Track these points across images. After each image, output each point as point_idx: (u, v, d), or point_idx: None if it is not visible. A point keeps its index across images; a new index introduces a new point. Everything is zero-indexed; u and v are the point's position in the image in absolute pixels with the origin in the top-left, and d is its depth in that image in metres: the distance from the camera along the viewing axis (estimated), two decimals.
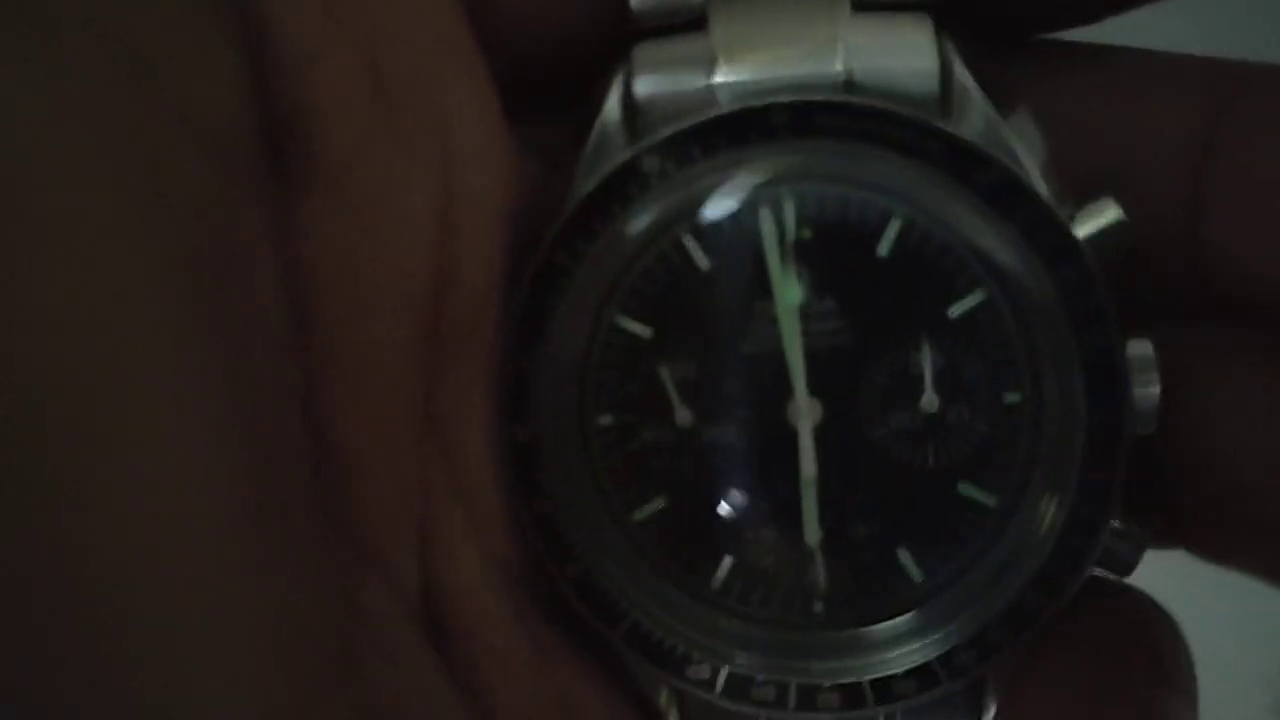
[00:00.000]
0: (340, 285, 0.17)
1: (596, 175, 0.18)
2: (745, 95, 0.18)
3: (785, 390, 0.19)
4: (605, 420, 0.20)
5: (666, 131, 0.18)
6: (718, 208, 0.19)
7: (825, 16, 0.18)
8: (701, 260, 0.19)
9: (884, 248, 0.19)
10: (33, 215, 0.14)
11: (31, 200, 0.14)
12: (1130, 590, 0.20)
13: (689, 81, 0.18)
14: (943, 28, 0.18)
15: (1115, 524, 0.19)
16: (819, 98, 0.18)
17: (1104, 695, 0.19)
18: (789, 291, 0.19)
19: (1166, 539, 0.20)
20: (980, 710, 0.20)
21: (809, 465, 0.19)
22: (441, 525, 0.18)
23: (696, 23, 0.19)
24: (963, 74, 0.18)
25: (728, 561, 0.20)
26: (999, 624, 0.19)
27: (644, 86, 0.18)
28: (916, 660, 0.19)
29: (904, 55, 0.18)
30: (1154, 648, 0.19)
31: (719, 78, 0.18)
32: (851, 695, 0.19)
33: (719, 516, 0.20)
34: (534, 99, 0.20)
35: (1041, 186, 0.18)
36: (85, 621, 0.13)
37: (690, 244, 0.19)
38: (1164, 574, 0.20)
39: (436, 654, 0.18)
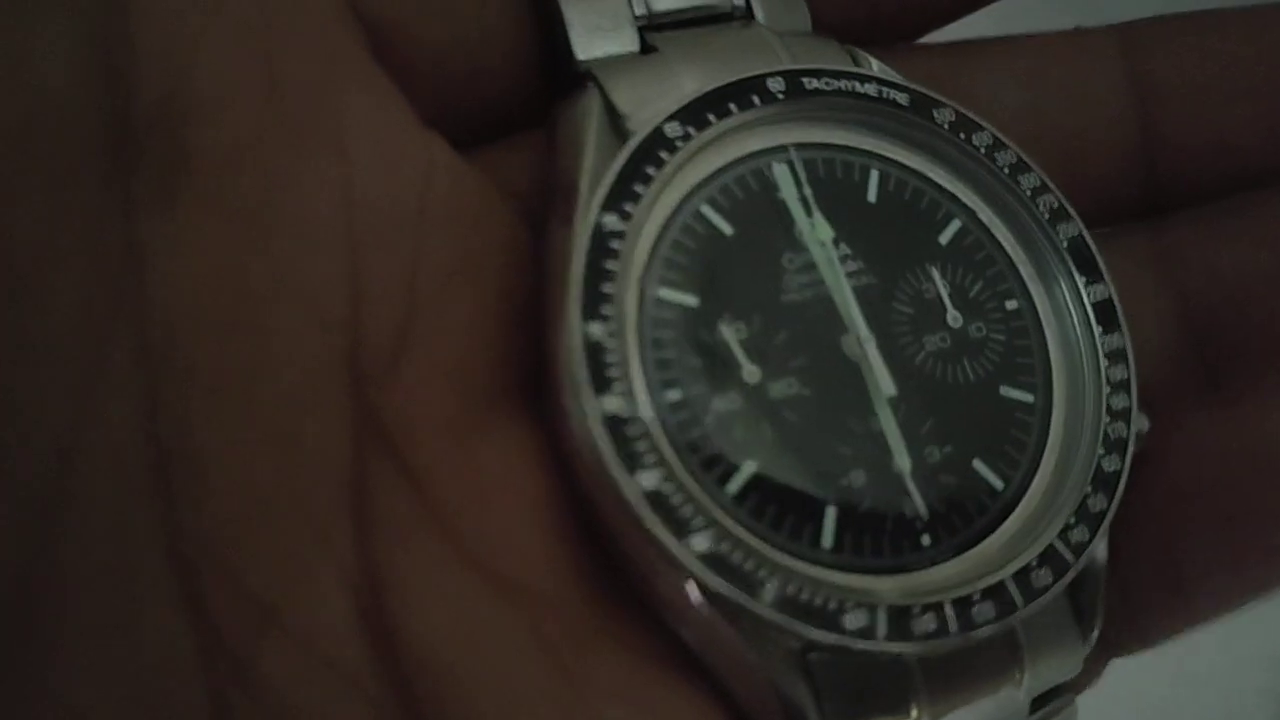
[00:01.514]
0: (216, 302, 0.15)
1: (607, 163, 0.19)
2: None
3: (835, 328, 0.20)
4: (674, 395, 0.19)
5: (686, 99, 0.19)
6: (726, 178, 0.20)
7: (760, 39, 0.21)
8: (724, 226, 0.20)
9: (871, 194, 0.21)
10: None
11: None
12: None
13: (664, 88, 0.20)
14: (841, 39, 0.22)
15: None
16: (804, 65, 0.20)
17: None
18: (819, 228, 0.20)
19: None
20: (1089, 628, 0.20)
21: (888, 384, 0.19)
22: (394, 564, 0.16)
23: (644, 50, 0.21)
24: (868, 59, 0.22)
25: (831, 513, 0.19)
26: (1089, 492, 0.20)
27: (626, 99, 0.20)
28: (1039, 549, 0.19)
29: (827, 56, 0.21)
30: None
31: (691, 83, 0.20)
32: (999, 598, 0.18)
33: (811, 469, 0.19)
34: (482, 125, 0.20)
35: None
36: None
37: (710, 213, 0.20)
38: None
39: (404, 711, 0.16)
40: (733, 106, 0.20)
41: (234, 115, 0.16)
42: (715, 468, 0.18)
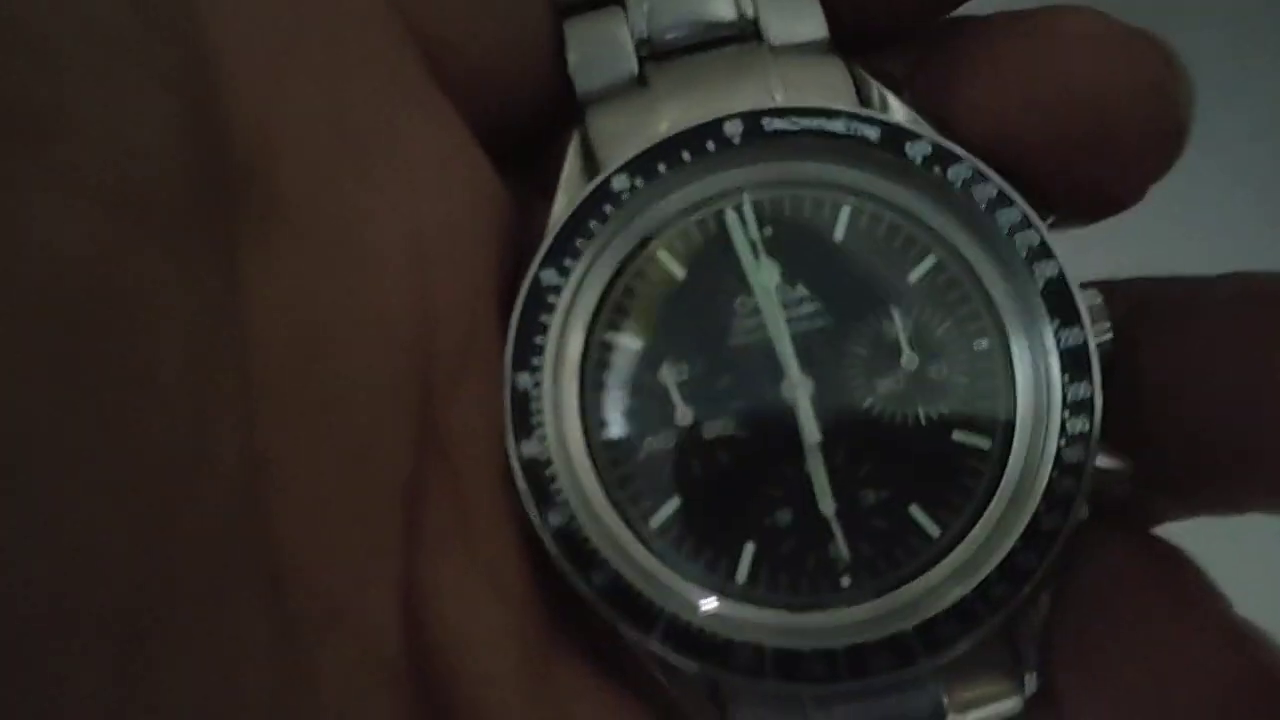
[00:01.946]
0: (300, 331, 0.17)
1: (575, 198, 0.20)
2: None
3: (775, 373, 0.20)
4: (609, 434, 0.20)
5: (633, 152, 0.20)
6: (683, 221, 0.21)
7: (754, 65, 0.21)
8: (677, 270, 0.21)
9: (839, 233, 0.21)
10: None
11: None
12: (1148, 537, 0.20)
13: (641, 129, 0.21)
14: (850, 59, 0.21)
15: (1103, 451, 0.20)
16: (765, 106, 0.21)
17: (1150, 613, 0.19)
18: (763, 273, 0.21)
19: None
20: (1022, 675, 0.20)
21: (812, 431, 0.20)
22: (433, 570, 0.18)
23: (636, 83, 0.21)
24: (874, 82, 0.21)
25: (749, 550, 0.20)
26: (1022, 549, 0.19)
27: (603, 140, 0.21)
28: (953, 601, 0.19)
29: (824, 80, 0.21)
30: (1185, 578, 0.20)
31: (666, 123, 0.21)
32: (900, 649, 0.19)
33: (733, 507, 0.20)
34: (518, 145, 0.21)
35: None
36: None
37: (664, 257, 0.21)
38: None
39: (425, 705, 0.17)
40: (685, 155, 0.20)
41: (313, 154, 0.18)
42: (641, 502, 0.20)
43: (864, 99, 0.21)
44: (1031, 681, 0.20)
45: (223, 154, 0.17)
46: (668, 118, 0.21)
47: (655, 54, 0.21)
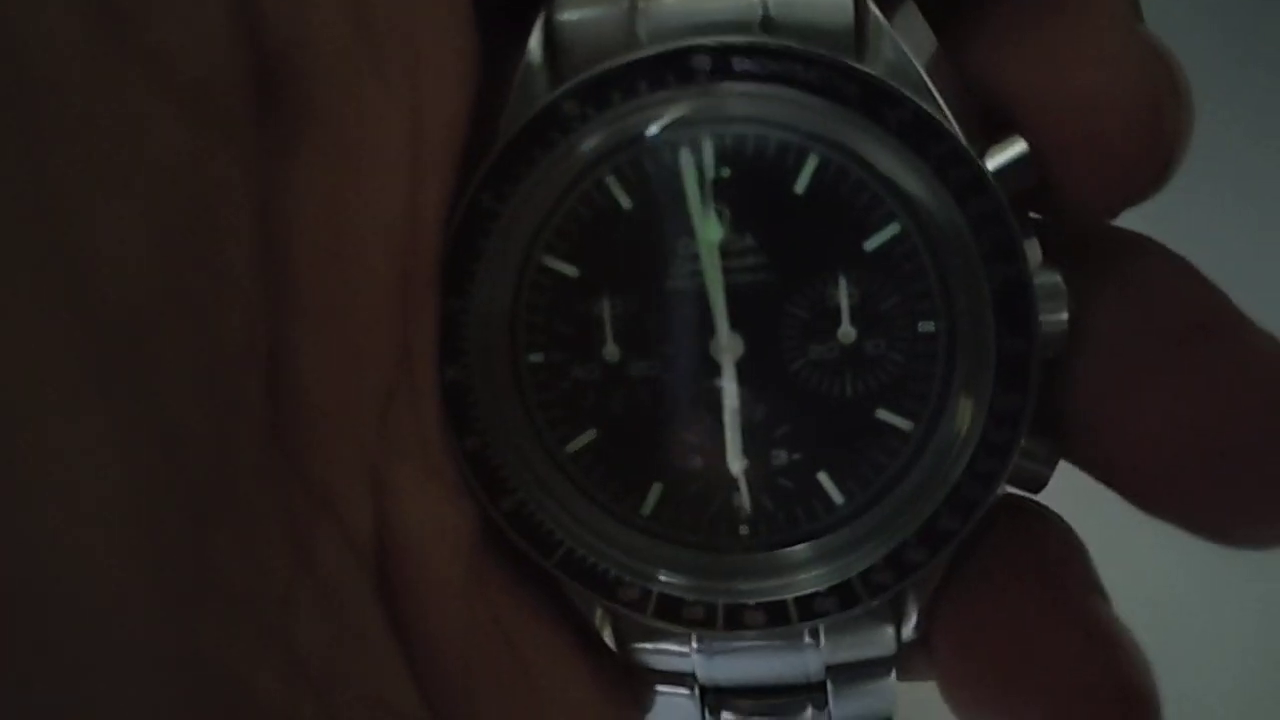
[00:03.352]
0: (321, 234, 0.17)
1: (519, 119, 0.19)
2: (664, 28, 0.19)
3: (709, 325, 0.20)
4: (536, 358, 0.20)
5: (586, 75, 0.19)
6: (637, 149, 0.19)
7: None
8: (624, 200, 0.20)
9: (800, 185, 0.19)
10: None
11: None
12: (1034, 504, 0.21)
13: (610, 16, 0.19)
14: None
15: (1026, 446, 0.19)
16: (736, 40, 0.18)
17: (1024, 596, 0.20)
18: (709, 229, 0.19)
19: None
20: (900, 618, 0.21)
21: (731, 399, 0.20)
22: (395, 471, 0.19)
23: None
24: (873, 8, 0.19)
25: (657, 489, 0.21)
26: (915, 544, 0.20)
27: (566, 20, 0.19)
28: (837, 579, 0.20)
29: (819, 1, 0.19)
30: (1063, 553, 0.20)
31: (639, 17, 0.19)
32: (775, 612, 0.20)
33: (647, 446, 0.20)
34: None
35: (934, 96, 0.18)
36: None
37: (613, 184, 0.20)
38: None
39: (381, 602, 0.19)
40: (643, 85, 0.19)
41: (338, 58, 0.17)
42: (559, 428, 0.20)
43: (861, 25, 0.19)
44: (909, 631, 0.21)
45: (261, 52, 0.16)
46: (640, 15, 0.19)
47: None
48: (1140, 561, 0.21)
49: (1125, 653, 0.19)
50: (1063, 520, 0.21)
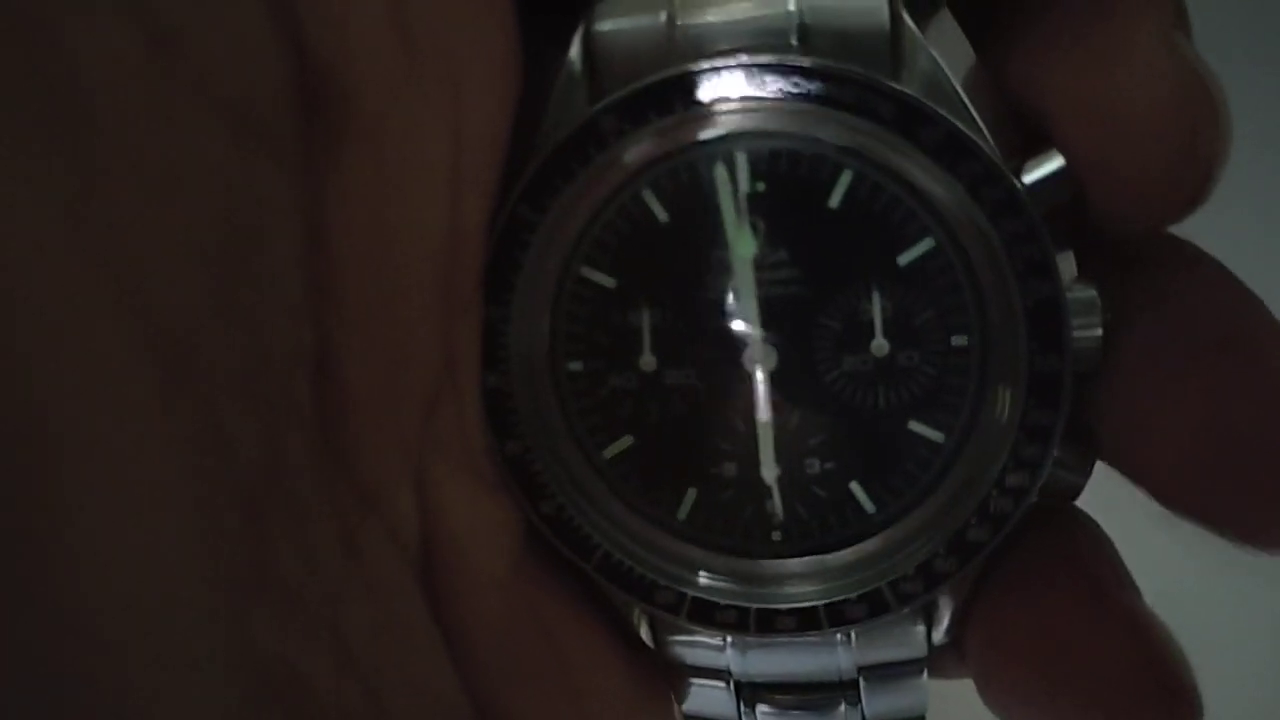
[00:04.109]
0: (364, 242, 0.18)
1: (558, 133, 0.19)
2: (702, 39, 0.19)
3: (742, 335, 0.20)
4: (575, 366, 0.21)
5: (623, 92, 0.19)
6: (674, 163, 0.20)
7: None
8: (661, 213, 0.20)
9: (835, 199, 0.20)
10: (38, 199, 0.14)
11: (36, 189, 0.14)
12: (1070, 508, 0.21)
13: (648, 26, 0.19)
14: None
15: (1059, 456, 0.20)
16: (770, 59, 0.18)
17: (1061, 593, 0.20)
18: (744, 243, 0.20)
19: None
20: (932, 620, 0.21)
21: (764, 410, 0.20)
22: (438, 470, 0.19)
23: None
24: (909, 22, 0.19)
25: (692, 494, 0.21)
26: (945, 554, 0.20)
27: (605, 31, 0.19)
28: (867, 586, 0.20)
29: (855, 12, 0.19)
30: (1095, 550, 0.20)
31: (677, 21, 0.19)
32: (806, 618, 0.20)
33: (683, 453, 0.21)
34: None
35: (971, 112, 0.18)
36: (53, 604, 0.15)
37: (649, 197, 0.20)
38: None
39: (425, 594, 0.19)
40: (677, 104, 0.19)
41: (381, 71, 0.17)
42: (597, 435, 0.21)
43: (897, 38, 0.19)
44: (940, 634, 0.21)
45: (304, 63, 0.17)
46: (679, 30, 0.19)
47: None
48: (1152, 570, 0.21)
49: (1166, 647, 0.19)
50: (1090, 518, 0.21)
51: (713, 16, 0.19)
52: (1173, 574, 0.20)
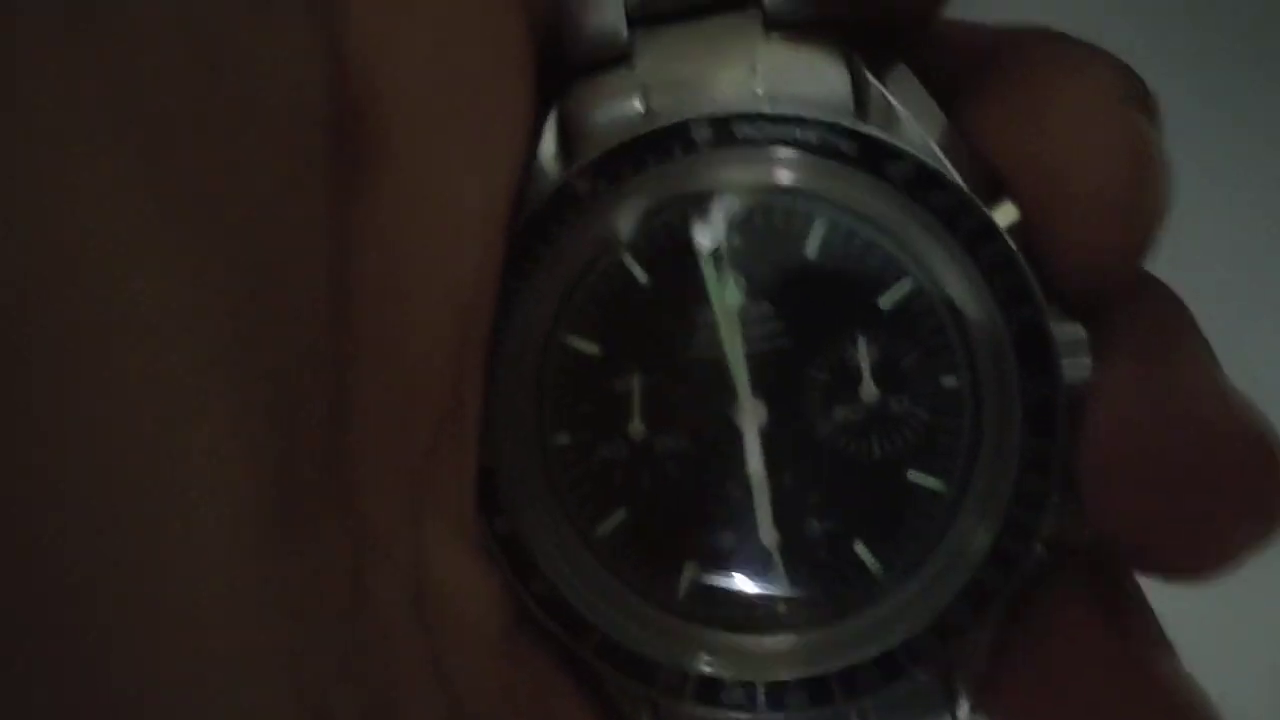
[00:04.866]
0: (385, 274, 0.18)
1: (536, 200, 0.20)
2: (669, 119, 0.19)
3: (731, 393, 0.20)
4: (562, 439, 0.20)
5: (595, 153, 0.19)
6: (650, 224, 0.20)
7: (741, 43, 0.19)
8: (640, 275, 0.20)
9: (811, 248, 0.20)
10: (95, 227, 0.15)
11: (90, 209, 0.15)
12: (1111, 578, 0.20)
13: (620, 111, 0.20)
14: (852, 44, 0.19)
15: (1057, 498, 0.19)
16: (735, 109, 0.19)
17: (1089, 661, 0.19)
18: (729, 294, 0.20)
19: None
20: (954, 701, 0.19)
21: (755, 463, 0.20)
22: (436, 523, 0.19)
23: (622, 57, 0.20)
24: (876, 85, 0.19)
25: (690, 568, 0.20)
26: (958, 606, 0.19)
27: (580, 120, 0.20)
28: (880, 650, 0.19)
29: (815, 72, 0.19)
30: (1123, 606, 0.19)
31: (649, 106, 0.19)
32: (818, 690, 0.19)
33: (679, 525, 0.20)
34: None
35: (948, 166, 0.19)
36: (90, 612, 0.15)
37: (628, 260, 0.20)
38: None
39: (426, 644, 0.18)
40: (650, 160, 0.19)
41: (419, 105, 0.18)
42: (588, 509, 0.20)
43: (859, 93, 0.19)
44: (964, 713, 0.20)
45: (344, 95, 0.17)
46: (648, 102, 0.19)
47: (648, 15, 0.20)
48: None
49: (1203, 715, 0.18)
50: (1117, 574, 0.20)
51: (682, 99, 0.19)
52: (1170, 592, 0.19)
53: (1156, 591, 0.19)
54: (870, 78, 0.19)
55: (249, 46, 0.16)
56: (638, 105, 0.19)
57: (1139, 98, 0.19)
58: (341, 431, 0.17)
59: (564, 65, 0.20)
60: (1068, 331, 0.19)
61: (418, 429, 0.18)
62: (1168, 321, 0.19)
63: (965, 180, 0.19)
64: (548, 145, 0.20)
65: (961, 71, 0.20)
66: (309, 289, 0.17)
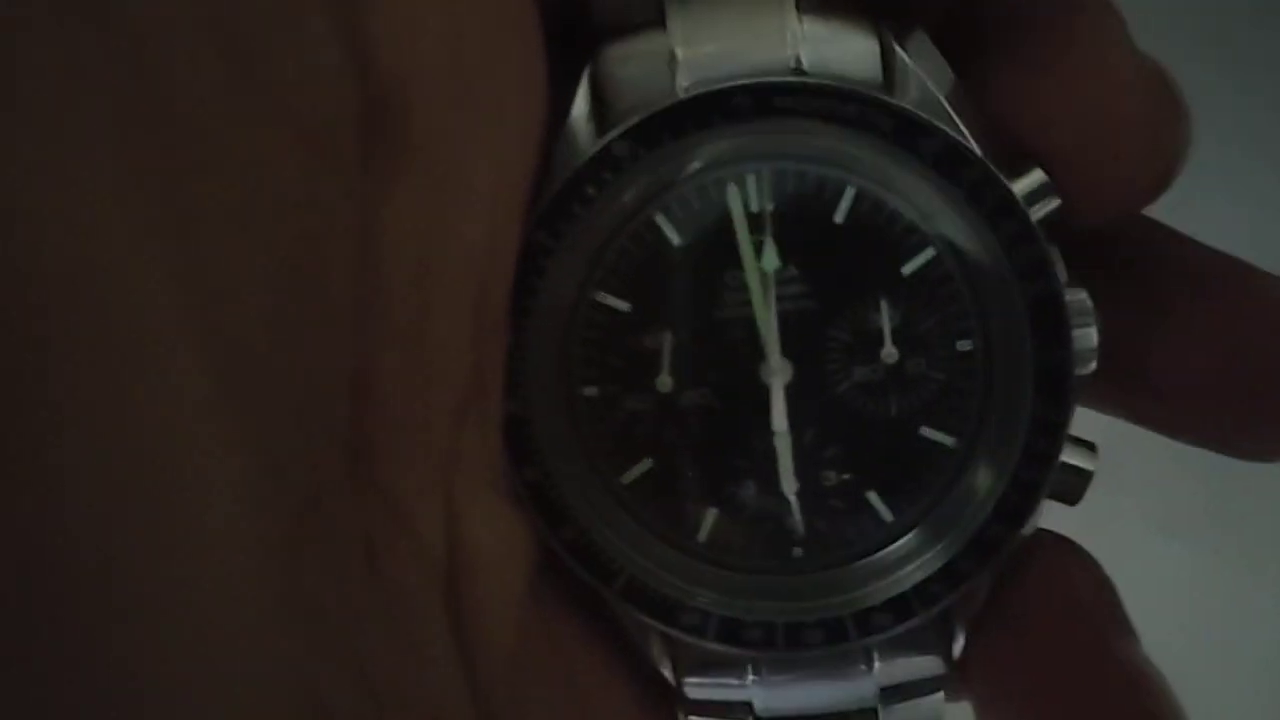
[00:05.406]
0: (409, 258, 0.18)
1: (574, 161, 0.20)
2: (702, 80, 0.20)
3: (758, 352, 0.21)
4: (590, 391, 0.21)
5: (635, 119, 0.20)
6: (685, 187, 0.21)
7: (774, 10, 0.20)
8: (673, 236, 0.21)
9: (840, 215, 0.20)
10: (121, 228, 0.15)
11: (101, 210, 0.14)
12: (1074, 544, 0.22)
13: (652, 75, 0.20)
14: (880, 14, 0.20)
15: (1064, 458, 0.20)
16: (776, 80, 0.20)
17: (1071, 634, 0.20)
18: (767, 258, 0.21)
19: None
20: (950, 642, 0.21)
21: (780, 420, 0.21)
22: (464, 487, 0.19)
23: (654, 21, 0.20)
24: (901, 55, 0.20)
25: (712, 514, 0.21)
26: (965, 555, 0.20)
27: (610, 75, 0.20)
28: (891, 593, 0.21)
29: (847, 42, 0.20)
30: (1107, 594, 0.21)
31: (679, 70, 0.20)
32: (834, 629, 0.21)
33: (701, 474, 0.21)
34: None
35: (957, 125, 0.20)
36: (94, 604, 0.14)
37: (662, 221, 0.21)
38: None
39: (447, 614, 0.19)
40: (689, 125, 0.20)
41: (439, 92, 0.18)
42: (615, 459, 0.21)
43: (889, 69, 0.20)
44: (958, 649, 0.21)
45: (368, 85, 0.17)
46: (681, 69, 0.20)
47: None
48: (1155, 580, 0.21)
49: (1160, 698, 0.20)
50: (1092, 558, 0.21)
51: (715, 61, 0.20)
52: (1171, 582, 0.21)
53: (1157, 591, 0.21)
54: (897, 49, 0.20)
55: (271, 40, 0.16)
56: (669, 68, 0.20)
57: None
58: (364, 418, 0.18)
59: (595, 28, 0.20)
60: (1076, 299, 0.20)
61: (443, 402, 0.19)
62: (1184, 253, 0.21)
63: (980, 142, 0.20)
64: (580, 107, 0.20)
65: (974, 34, 0.21)
66: (336, 286, 0.17)
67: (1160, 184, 0.20)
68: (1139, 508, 0.21)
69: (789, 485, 0.21)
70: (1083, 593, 0.21)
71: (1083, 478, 0.21)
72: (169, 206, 0.15)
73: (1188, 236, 0.21)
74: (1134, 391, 0.21)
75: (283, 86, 0.16)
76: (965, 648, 0.21)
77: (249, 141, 0.15)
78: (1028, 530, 0.20)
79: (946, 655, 0.21)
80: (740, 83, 0.20)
